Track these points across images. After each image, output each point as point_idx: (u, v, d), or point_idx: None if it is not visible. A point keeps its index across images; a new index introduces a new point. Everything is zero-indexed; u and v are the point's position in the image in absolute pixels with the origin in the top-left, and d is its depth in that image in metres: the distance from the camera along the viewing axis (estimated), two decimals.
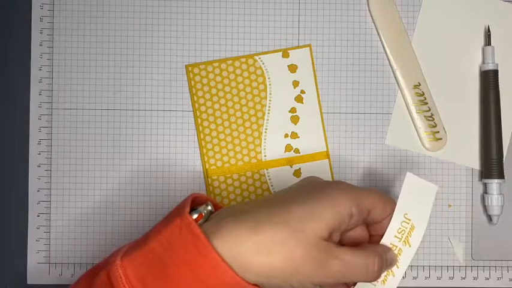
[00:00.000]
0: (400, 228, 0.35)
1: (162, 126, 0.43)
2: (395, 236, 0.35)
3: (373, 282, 0.35)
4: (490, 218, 0.43)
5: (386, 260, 0.34)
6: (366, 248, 0.33)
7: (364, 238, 0.36)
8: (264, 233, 0.30)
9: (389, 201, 0.35)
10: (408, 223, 0.35)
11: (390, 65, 0.44)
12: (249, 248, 0.30)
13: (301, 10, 0.44)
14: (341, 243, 0.35)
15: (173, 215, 0.32)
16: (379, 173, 0.43)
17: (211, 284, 0.30)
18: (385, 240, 0.35)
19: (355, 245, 0.34)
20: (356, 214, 0.32)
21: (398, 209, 0.35)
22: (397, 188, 0.43)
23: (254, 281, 0.30)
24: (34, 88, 0.43)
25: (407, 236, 0.35)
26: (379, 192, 0.35)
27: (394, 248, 0.35)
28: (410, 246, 0.35)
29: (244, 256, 0.30)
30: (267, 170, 0.43)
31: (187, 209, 0.32)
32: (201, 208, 0.33)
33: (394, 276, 0.35)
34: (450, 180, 0.44)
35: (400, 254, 0.35)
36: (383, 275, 0.35)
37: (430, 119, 0.43)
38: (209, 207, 0.33)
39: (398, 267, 0.35)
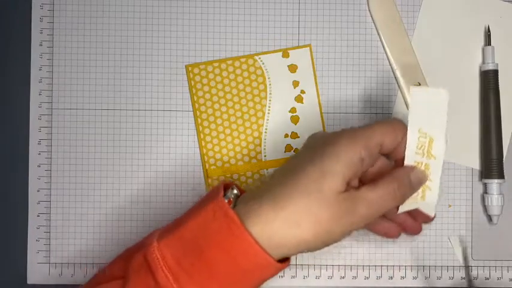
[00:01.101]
0: (418, 144, 0.34)
1: (162, 126, 0.43)
2: (417, 153, 0.34)
3: (415, 200, 0.35)
4: (490, 218, 0.43)
5: (410, 181, 0.34)
6: (384, 179, 0.33)
7: (387, 167, 0.36)
8: (287, 207, 0.31)
9: (399, 125, 0.34)
10: (425, 137, 0.34)
11: (390, 65, 0.44)
12: (279, 225, 0.31)
13: (301, 10, 0.44)
14: (363, 182, 0.35)
15: (206, 200, 0.33)
16: None
17: (245, 265, 0.31)
18: (408, 161, 0.34)
19: (379, 177, 0.34)
20: (367, 156, 0.32)
21: (410, 127, 0.34)
22: None
23: (289, 255, 0.32)
24: (34, 88, 0.43)
25: (428, 149, 0.34)
26: (384, 123, 0.34)
27: (420, 164, 0.34)
28: (435, 158, 0.34)
29: (277, 235, 0.31)
30: (267, 170, 0.43)
31: (221, 193, 0.33)
32: (228, 193, 0.34)
33: (430, 190, 0.35)
34: (450, 180, 0.44)
35: (428, 169, 0.34)
36: (420, 191, 0.35)
37: None
38: (235, 191, 0.34)
39: (431, 181, 0.35)
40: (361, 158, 0.32)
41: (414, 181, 0.34)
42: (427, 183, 0.35)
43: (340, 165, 0.31)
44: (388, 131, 0.33)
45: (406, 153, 0.34)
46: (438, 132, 0.34)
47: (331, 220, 0.31)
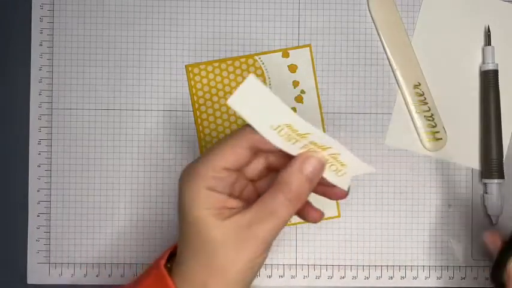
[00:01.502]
0: (284, 137, 0.30)
1: (162, 126, 0.43)
2: (293, 143, 0.31)
3: (336, 173, 0.32)
4: (490, 218, 0.43)
5: (304, 176, 0.31)
6: (266, 194, 0.32)
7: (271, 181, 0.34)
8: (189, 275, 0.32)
9: (237, 141, 0.32)
10: (280, 126, 0.30)
11: (390, 65, 0.44)
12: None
13: (301, 10, 0.44)
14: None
15: (151, 267, 0.34)
16: (379, 173, 0.43)
17: None
18: (295, 152, 0.31)
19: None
20: (218, 183, 0.31)
21: (261, 130, 0.30)
22: (397, 188, 0.43)
23: None
24: (34, 88, 0.43)
25: (298, 134, 0.30)
26: (223, 145, 0.32)
27: (306, 147, 0.31)
28: (305, 136, 0.30)
29: None
30: None
31: (163, 261, 0.33)
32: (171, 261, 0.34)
33: (344, 164, 0.32)
34: (450, 180, 0.44)
35: (316, 145, 0.31)
36: (333, 170, 0.32)
37: (430, 119, 0.43)
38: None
39: (338, 154, 0.32)
40: (210, 187, 0.31)
41: (310, 173, 0.31)
42: (338, 158, 0.32)
43: (197, 209, 0.31)
44: (226, 152, 0.32)
45: (284, 150, 0.31)
46: (289, 116, 0.30)
47: (234, 262, 0.31)
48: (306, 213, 0.36)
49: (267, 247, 0.31)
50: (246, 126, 0.31)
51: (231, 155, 0.32)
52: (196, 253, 0.31)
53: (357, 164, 0.32)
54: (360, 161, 0.32)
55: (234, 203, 0.32)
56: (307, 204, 0.35)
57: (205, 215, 0.31)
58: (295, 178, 0.31)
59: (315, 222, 0.36)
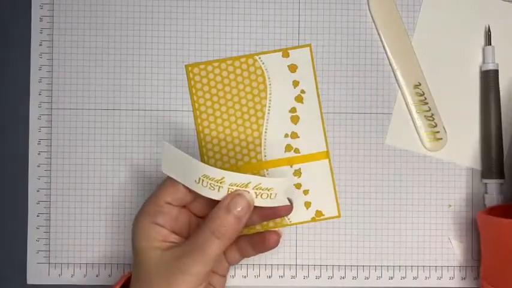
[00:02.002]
0: (205, 186, 0.34)
1: (162, 126, 0.43)
2: (213, 191, 0.34)
3: (266, 200, 0.35)
4: None
5: (230, 215, 0.34)
6: (198, 230, 0.34)
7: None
8: None
9: (159, 196, 0.36)
10: (200, 178, 0.34)
11: (390, 65, 0.44)
12: None
13: (301, 10, 0.44)
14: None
15: None
16: (379, 173, 0.43)
17: None
18: (218, 198, 0.35)
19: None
20: (160, 217, 0.35)
21: (187, 185, 0.35)
22: (398, 188, 0.43)
23: None
24: (34, 88, 0.43)
25: (215, 181, 0.34)
26: (165, 183, 0.36)
27: (229, 190, 0.35)
28: (222, 180, 0.34)
29: None
30: (267, 170, 0.43)
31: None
32: None
33: (271, 190, 0.35)
34: (450, 180, 0.44)
35: (236, 185, 0.34)
36: (265, 198, 0.35)
37: (430, 118, 0.43)
38: None
39: (264, 188, 0.35)
40: (153, 221, 0.35)
41: (237, 211, 0.34)
42: (262, 186, 0.35)
43: (141, 241, 0.35)
44: (167, 188, 0.36)
45: (213, 198, 0.35)
46: (202, 168, 0.34)
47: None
48: (260, 244, 0.39)
49: (197, 281, 0.33)
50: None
51: (172, 190, 0.35)
52: (139, 282, 0.34)
53: (280, 182, 0.36)
54: (280, 179, 0.36)
55: (175, 238, 0.35)
56: (259, 235, 0.39)
57: (146, 247, 0.34)
58: (222, 215, 0.34)
59: (273, 246, 0.39)
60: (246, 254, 0.40)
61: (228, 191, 0.34)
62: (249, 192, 0.35)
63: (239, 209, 0.34)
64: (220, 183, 0.34)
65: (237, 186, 0.34)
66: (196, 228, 0.35)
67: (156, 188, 0.37)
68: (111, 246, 0.43)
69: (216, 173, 0.34)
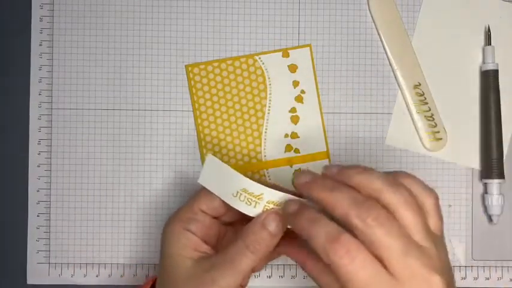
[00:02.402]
0: (241, 201, 0.34)
1: (162, 126, 0.43)
2: (249, 207, 0.34)
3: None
4: (490, 218, 0.43)
5: (265, 232, 0.33)
6: (226, 247, 0.34)
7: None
8: None
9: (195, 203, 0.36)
10: (238, 192, 0.34)
11: (390, 65, 0.44)
12: None
13: (301, 10, 0.44)
14: None
15: None
16: None
17: None
18: (254, 214, 0.34)
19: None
20: (193, 225, 0.35)
21: (223, 198, 0.35)
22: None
23: None
24: (34, 88, 0.43)
25: (253, 197, 0.34)
26: (200, 192, 0.36)
27: (265, 208, 0.34)
28: (260, 197, 0.34)
29: None
30: (267, 170, 0.43)
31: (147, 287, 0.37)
32: None
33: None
34: (450, 180, 0.44)
35: (273, 203, 0.34)
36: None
37: (430, 119, 0.43)
38: None
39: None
40: (185, 227, 0.35)
41: (272, 228, 0.33)
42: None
43: (171, 247, 0.35)
44: (202, 196, 0.36)
45: (247, 214, 0.34)
46: (243, 181, 0.34)
47: None
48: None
49: None
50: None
51: (208, 199, 0.35)
52: (166, 287, 0.35)
53: None
54: None
55: (206, 248, 0.35)
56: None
57: (177, 253, 0.34)
58: (257, 230, 0.33)
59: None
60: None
61: (264, 208, 0.34)
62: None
63: (274, 226, 0.33)
64: (258, 199, 0.34)
65: (274, 204, 0.34)
66: (228, 242, 0.35)
67: (190, 197, 0.37)
68: (111, 246, 0.43)
69: (256, 188, 0.34)
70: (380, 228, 0.27)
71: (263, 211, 0.34)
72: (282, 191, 0.34)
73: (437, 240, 0.30)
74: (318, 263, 0.32)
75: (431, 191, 0.31)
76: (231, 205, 0.34)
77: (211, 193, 0.35)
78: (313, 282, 0.43)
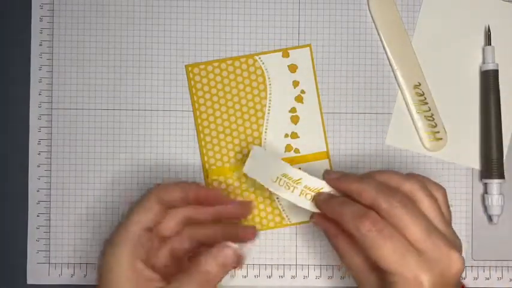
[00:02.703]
0: (280, 186, 0.37)
1: (162, 126, 0.43)
2: (288, 191, 0.37)
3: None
4: (490, 218, 0.43)
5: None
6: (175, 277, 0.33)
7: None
8: None
9: (148, 203, 0.36)
10: (278, 177, 0.37)
11: (390, 65, 0.44)
12: None
13: (301, 10, 0.44)
14: None
15: None
16: None
17: None
18: (290, 198, 0.37)
19: None
20: (138, 246, 0.34)
21: (265, 184, 0.37)
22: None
23: None
24: (34, 88, 0.43)
25: (291, 181, 0.37)
26: (139, 206, 0.36)
27: (303, 193, 0.36)
28: (299, 181, 0.37)
29: None
30: None
31: None
32: None
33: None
34: (450, 180, 0.44)
35: (310, 189, 0.36)
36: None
37: (430, 119, 0.43)
38: None
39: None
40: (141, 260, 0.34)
41: (222, 262, 0.34)
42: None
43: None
44: (140, 213, 0.35)
45: (285, 198, 0.37)
46: (284, 167, 0.37)
47: None
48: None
49: None
50: (156, 184, 0.37)
51: (145, 215, 0.35)
52: None
53: None
54: None
55: (156, 277, 0.34)
56: (233, 227, 0.38)
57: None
58: (209, 263, 0.33)
59: (250, 239, 0.38)
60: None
61: (301, 193, 0.36)
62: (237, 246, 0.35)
63: (226, 259, 0.33)
64: (297, 183, 0.37)
65: (311, 190, 0.36)
66: (179, 272, 0.34)
67: (119, 222, 0.36)
68: None
69: (295, 173, 0.37)
70: (404, 208, 0.31)
71: (216, 245, 0.34)
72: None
73: (450, 226, 0.33)
74: (348, 243, 0.34)
75: (440, 186, 0.35)
76: (270, 189, 0.37)
77: (146, 205, 0.35)
78: (313, 282, 0.44)
